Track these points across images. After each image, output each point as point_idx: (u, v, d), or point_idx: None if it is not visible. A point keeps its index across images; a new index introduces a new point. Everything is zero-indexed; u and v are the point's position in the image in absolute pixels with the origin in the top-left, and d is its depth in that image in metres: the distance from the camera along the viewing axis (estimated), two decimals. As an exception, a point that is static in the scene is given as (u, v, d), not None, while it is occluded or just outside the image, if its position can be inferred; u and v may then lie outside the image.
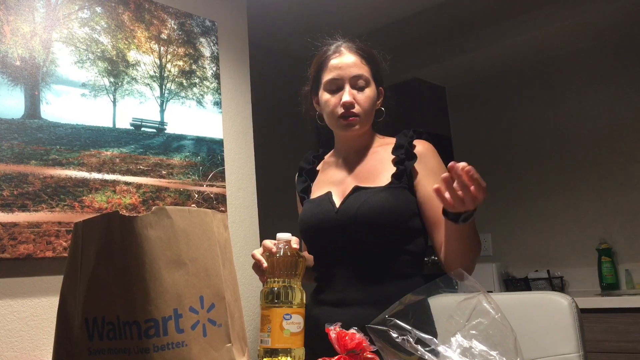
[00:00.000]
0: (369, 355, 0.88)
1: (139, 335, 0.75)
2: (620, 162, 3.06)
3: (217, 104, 2.11)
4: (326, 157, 1.55)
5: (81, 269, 0.80)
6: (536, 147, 3.37)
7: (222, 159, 2.08)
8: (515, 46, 3.21)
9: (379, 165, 1.39)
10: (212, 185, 2.00)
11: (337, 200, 1.36)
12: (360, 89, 1.37)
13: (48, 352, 1.59)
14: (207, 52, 2.12)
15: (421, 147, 1.37)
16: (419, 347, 0.67)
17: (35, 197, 1.56)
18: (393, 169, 1.35)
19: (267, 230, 2.46)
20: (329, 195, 1.39)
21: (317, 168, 1.53)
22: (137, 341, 0.75)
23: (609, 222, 3.07)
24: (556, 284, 3.12)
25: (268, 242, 1.20)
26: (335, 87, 1.38)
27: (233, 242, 2.13)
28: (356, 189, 1.34)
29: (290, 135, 3.22)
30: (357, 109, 1.36)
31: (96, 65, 1.78)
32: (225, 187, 2.06)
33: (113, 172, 1.74)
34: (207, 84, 2.10)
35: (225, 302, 0.82)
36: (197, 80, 2.07)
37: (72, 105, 1.70)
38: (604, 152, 3.12)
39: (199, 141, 2.02)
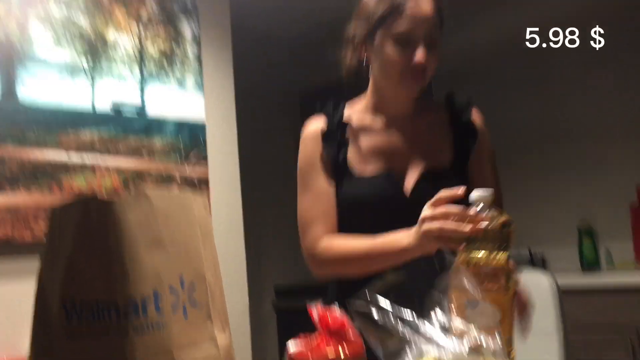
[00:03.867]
0: (351, 334, 0.88)
1: (118, 317, 0.74)
2: (603, 144, 3.09)
3: (199, 86, 2.09)
4: (355, 115, 1.30)
5: (58, 253, 0.79)
6: (522, 126, 3.39)
7: (205, 142, 2.07)
8: (500, 33, 3.21)
9: (436, 137, 1.26)
10: (194, 168, 1.99)
11: (404, 182, 1.21)
12: (432, 50, 1.19)
13: (27, 334, 1.57)
14: (188, 33, 2.09)
15: (479, 121, 1.27)
16: (399, 324, 0.67)
17: (12, 179, 1.53)
18: (451, 144, 1.24)
19: (250, 213, 2.45)
20: (390, 177, 1.21)
21: (347, 135, 1.28)
22: (117, 323, 0.74)
23: (590, 202, 3.11)
24: (537, 263, 3.16)
25: (453, 207, 0.93)
26: (407, 40, 1.17)
27: (216, 225, 2.12)
28: (426, 174, 1.20)
29: (273, 117, 3.20)
30: (426, 72, 1.19)
31: (74, 46, 1.74)
32: (207, 170, 2.05)
33: (92, 154, 1.72)
34: (188, 65, 2.07)
35: (205, 282, 0.82)
36: (177, 62, 2.04)
37: (49, 86, 1.67)
38: (587, 134, 3.15)
39: (181, 123, 2.00)
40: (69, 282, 0.76)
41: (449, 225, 0.91)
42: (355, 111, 1.31)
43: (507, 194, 3.51)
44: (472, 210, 0.90)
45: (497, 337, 0.69)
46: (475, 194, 0.90)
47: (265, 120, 3.28)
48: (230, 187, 2.23)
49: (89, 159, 1.72)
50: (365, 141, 1.26)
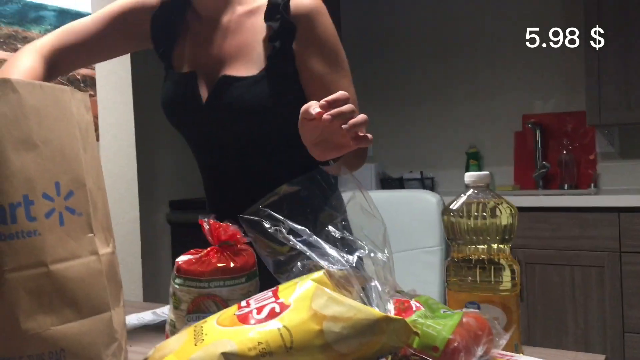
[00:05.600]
0: (242, 247, 0.87)
1: (-18, 223, 0.66)
2: (494, 70, 3.23)
3: (86, -27, 1.87)
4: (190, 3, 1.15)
5: None
6: (418, 51, 3.44)
7: (92, 38, 1.88)
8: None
9: (251, 39, 1.09)
10: (79, 67, 1.81)
11: (204, 88, 1.11)
12: None
13: None
14: None
15: (300, 7, 1.05)
16: (291, 237, 0.66)
17: None
18: (265, 46, 1.07)
19: (143, 122, 2.32)
20: (192, 78, 1.11)
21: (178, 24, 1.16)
22: (-19, 229, 0.67)
23: (478, 128, 3.28)
24: (427, 185, 3.33)
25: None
26: None
27: (104, 129, 1.99)
28: (224, 80, 1.08)
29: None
30: None
31: None
32: (94, 69, 1.87)
33: (-44, 42, 1.51)
34: (73, -52, 1.84)
35: (86, 189, 0.75)
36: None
37: None
38: (481, 60, 3.26)
39: (63, 13, 1.79)
40: None
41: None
42: None
43: (400, 118, 3.62)
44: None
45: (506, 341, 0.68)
46: (468, 177, 0.81)
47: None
48: (121, 88, 2.07)
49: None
50: (186, 38, 1.16)
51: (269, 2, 1.09)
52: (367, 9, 3.59)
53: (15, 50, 1.65)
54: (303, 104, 0.86)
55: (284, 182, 0.78)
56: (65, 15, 1.81)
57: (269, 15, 1.08)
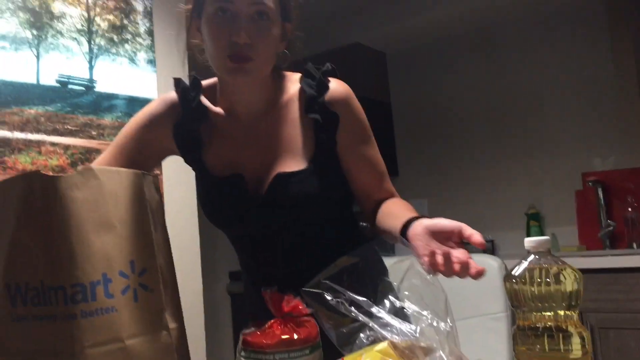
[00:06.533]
0: (305, 318, 0.88)
1: (65, 300, 0.71)
2: (550, 130, 3.19)
3: (151, 62, 2.03)
4: (213, 105, 1.14)
5: (0, 232, 0.76)
6: (471, 115, 3.45)
7: (157, 120, 2.01)
8: (455, 13, 3.24)
9: (292, 132, 1.11)
10: (146, 148, 1.93)
11: (253, 188, 1.09)
12: (258, 23, 1.00)
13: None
14: (139, 7, 2.01)
15: (337, 98, 1.09)
16: (353, 308, 0.67)
17: (-49, 157, 1.46)
18: (311, 136, 1.10)
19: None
20: (241, 181, 1.09)
21: (202, 130, 1.14)
22: (63, 307, 0.71)
23: (537, 188, 3.22)
24: (487, 247, 3.25)
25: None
26: (225, 13, 1.00)
27: (168, 206, 2.08)
28: (280, 177, 1.07)
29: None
30: (250, 51, 0.99)
31: (17, 16, 1.65)
32: (160, 150, 1.99)
33: (38, 131, 1.64)
34: (140, 40, 2.00)
35: (157, 266, 0.80)
36: (129, 37, 1.97)
37: (-9, 59, 1.58)
38: (535, 120, 3.24)
39: (132, 101, 1.94)
40: (12, 263, 0.73)
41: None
42: (211, 96, 1.15)
43: (460, 181, 3.61)
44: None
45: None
46: (528, 243, 0.80)
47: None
48: (183, 167, 2.18)
49: (34, 136, 1.64)
50: (217, 138, 1.13)
51: (306, 95, 1.10)
52: (415, 81, 3.67)
53: (91, 137, 1.78)
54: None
55: (336, 258, 0.80)
56: (134, 103, 1.96)
57: (308, 107, 1.10)
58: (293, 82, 1.14)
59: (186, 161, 1.18)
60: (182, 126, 1.13)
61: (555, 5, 3.14)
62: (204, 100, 1.14)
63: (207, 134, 1.14)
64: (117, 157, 1.13)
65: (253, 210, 1.09)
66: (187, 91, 1.13)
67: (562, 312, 0.75)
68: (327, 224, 1.15)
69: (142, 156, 1.14)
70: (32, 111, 1.66)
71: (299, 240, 1.13)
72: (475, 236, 0.85)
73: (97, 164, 1.14)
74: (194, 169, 1.18)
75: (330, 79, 1.11)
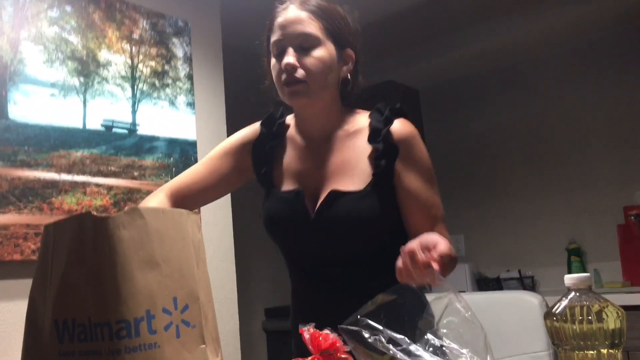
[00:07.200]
0: (343, 355, 0.88)
1: (110, 336, 0.73)
2: (589, 164, 3.13)
3: (191, 105, 2.10)
4: (290, 129, 1.29)
5: (51, 271, 0.79)
6: (508, 150, 3.42)
7: (196, 161, 2.07)
8: (488, 49, 3.26)
9: (354, 157, 1.19)
10: (185, 187, 1.98)
11: (311, 204, 1.17)
12: (306, 50, 1.14)
13: (17, 356, 1.55)
14: (179, 53, 2.10)
15: (401, 133, 1.17)
16: (391, 346, 0.68)
17: (2, 198, 1.53)
18: (371, 164, 1.17)
19: (240, 234, 2.44)
20: (299, 195, 1.19)
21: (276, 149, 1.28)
22: (109, 342, 0.74)
23: (577, 223, 3.14)
24: (527, 284, 3.17)
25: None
26: (280, 50, 1.15)
27: (206, 244, 2.12)
28: (333, 195, 1.15)
29: (264, 136, 3.20)
30: (300, 74, 1.12)
31: (66, 65, 1.75)
32: (198, 189, 2.04)
33: (83, 173, 1.71)
34: (180, 84, 2.08)
35: (199, 302, 0.82)
36: (169, 81, 2.05)
37: (40, 105, 1.67)
38: (574, 154, 3.19)
39: (172, 142, 2.01)
40: (62, 300, 0.76)
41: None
42: (292, 124, 1.30)
43: (497, 216, 3.54)
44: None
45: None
46: (568, 280, 0.80)
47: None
48: (220, 206, 2.23)
49: (79, 178, 1.71)
50: (288, 157, 1.26)
51: (371, 127, 1.19)
52: (449, 117, 3.68)
53: (133, 178, 1.84)
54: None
55: (381, 291, 0.81)
56: (174, 144, 2.02)
57: (373, 138, 1.18)
58: (364, 117, 1.24)
59: (257, 178, 1.29)
60: (259, 144, 1.28)
61: (588, 37, 3.12)
62: (288, 124, 1.29)
63: (279, 152, 1.27)
64: (207, 164, 1.31)
65: (306, 224, 1.16)
66: (272, 116, 1.29)
67: (605, 351, 0.74)
68: (379, 252, 1.17)
69: (228, 169, 1.30)
70: (78, 154, 1.73)
71: (349, 269, 1.17)
72: (439, 246, 0.90)
73: (192, 170, 1.33)
74: (262, 186, 1.28)
75: (398, 119, 1.19)
